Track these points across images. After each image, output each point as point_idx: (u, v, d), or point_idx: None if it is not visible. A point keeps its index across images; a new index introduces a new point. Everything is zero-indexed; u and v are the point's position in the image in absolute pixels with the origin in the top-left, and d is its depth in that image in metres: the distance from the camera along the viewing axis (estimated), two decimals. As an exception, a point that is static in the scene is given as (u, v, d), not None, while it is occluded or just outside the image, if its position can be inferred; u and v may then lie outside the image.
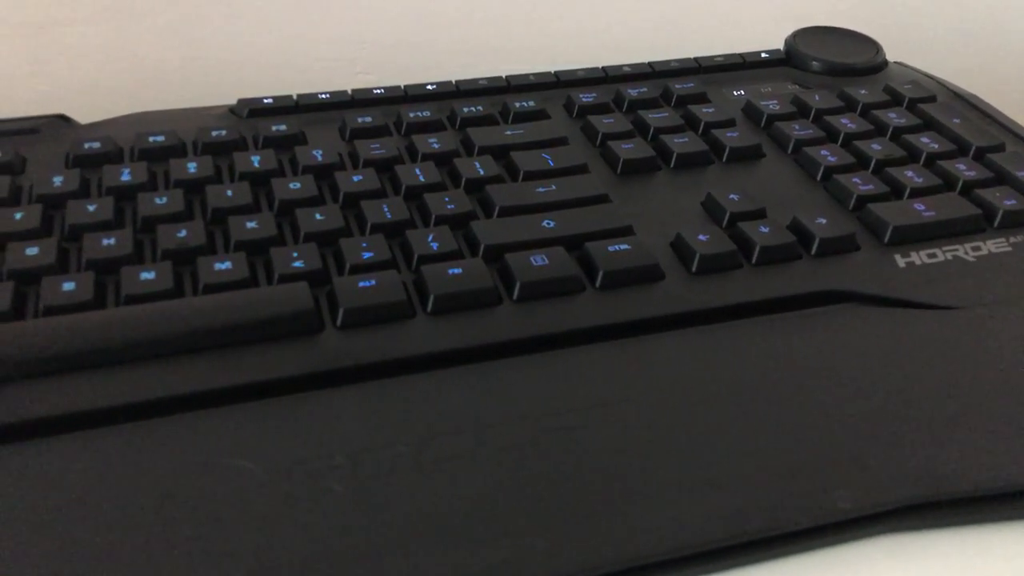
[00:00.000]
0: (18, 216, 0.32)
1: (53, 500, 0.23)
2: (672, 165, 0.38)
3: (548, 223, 0.33)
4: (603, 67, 0.44)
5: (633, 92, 0.42)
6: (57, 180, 0.34)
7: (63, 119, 0.39)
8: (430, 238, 0.32)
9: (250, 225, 0.32)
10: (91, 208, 0.32)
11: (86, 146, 0.36)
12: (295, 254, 0.31)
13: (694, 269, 0.32)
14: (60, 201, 0.33)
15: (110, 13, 0.46)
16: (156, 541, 0.23)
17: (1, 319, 0.27)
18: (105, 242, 0.31)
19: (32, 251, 0.30)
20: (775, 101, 0.42)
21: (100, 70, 0.47)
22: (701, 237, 0.32)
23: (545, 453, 0.25)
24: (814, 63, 0.46)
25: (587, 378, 0.28)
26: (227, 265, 0.30)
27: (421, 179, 0.35)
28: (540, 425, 0.26)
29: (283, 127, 0.38)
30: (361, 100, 0.41)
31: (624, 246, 0.32)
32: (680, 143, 0.38)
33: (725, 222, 0.34)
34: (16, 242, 0.30)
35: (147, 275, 0.29)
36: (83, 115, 0.40)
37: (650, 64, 0.44)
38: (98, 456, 0.25)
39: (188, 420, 0.26)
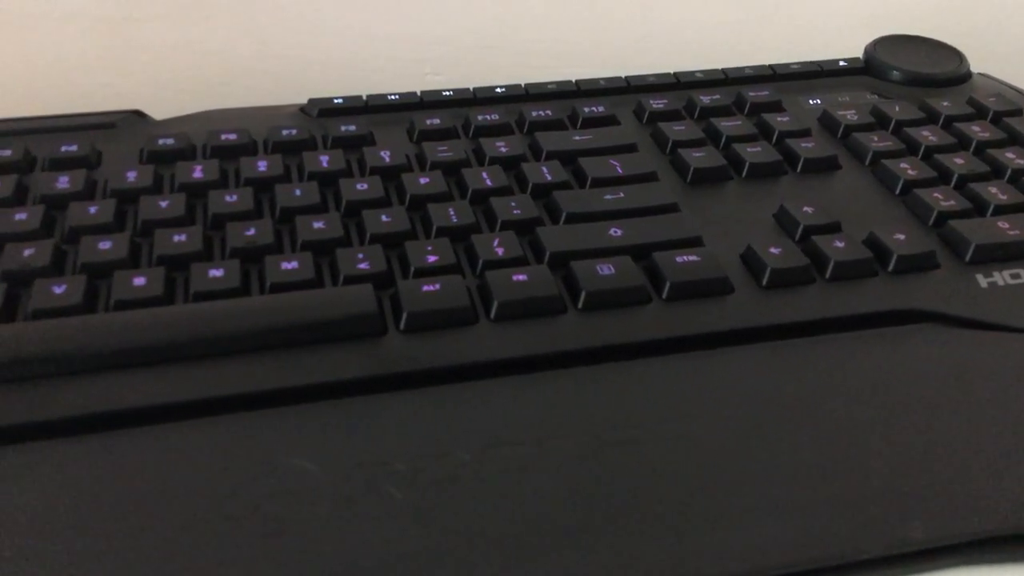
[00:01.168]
0: (92, 210, 0.32)
1: (119, 493, 0.24)
2: (744, 175, 0.37)
3: (615, 231, 0.33)
4: (675, 73, 0.43)
5: (705, 99, 0.41)
6: (131, 175, 0.34)
7: (138, 114, 0.40)
8: (495, 243, 0.32)
9: (317, 225, 0.32)
10: (163, 204, 0.33)
11: (160, 142, 0.37)
12: (360, 255, 0.31)
13: (765, 283, 0.31)
14: (133, 196, 0.33)
15: (187, 10, 0.47)
16: (218, 538, 0.23)
17: (73, 312, 0.28)
18: (176, 238, 0.31)
19: (105, 245, 0.30)
20: (853, 111, 0.41)
21: (175, 66, 0.48)
22: (773, 250, 0.32)
23: (607, 468, 0.25)
24: (894, 72, 0.44)
25: (651, 392, 0.27)
26: (293, 265, 0.30)
27: (488, 183, 0.35)
28: (602, 438, 0.26)
29: (352, 127, 0.38)
30: (430, 102, 0.41)
31: (693, 257, 0.31)
32: (753, 152, 0.37)
33: (798, 235, 0.33)
34: (89, 236, 0.31)
35: (215, 272, 0.30)
36: (158, 110, 0.41)
37: (723, 71, 0.44)
38: (163, 451, 0.25)
39: (251, 418, 0.26)
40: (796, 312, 0.30)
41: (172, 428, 0.26)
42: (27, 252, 0.30)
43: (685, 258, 0.31)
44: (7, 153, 0.35)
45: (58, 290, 0.28)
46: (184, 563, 0.22)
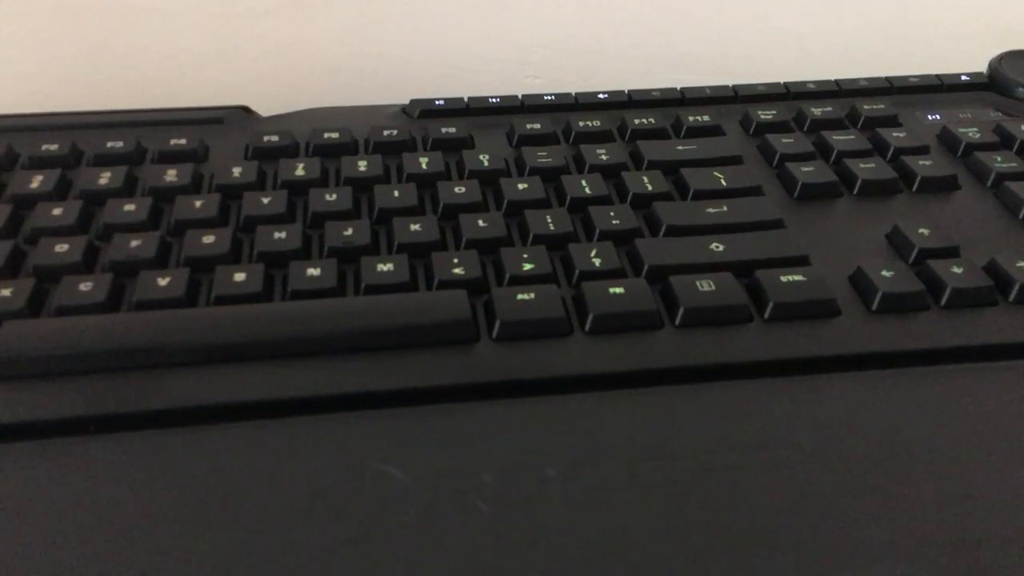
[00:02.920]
0: (198, 204, 0.33)
1: (205, 488, 0.24)
2: (856, 192, 0.35)
3: (717, 246, 0.31)
4: (785, 83, 0.42)
5: (816, 111, 0.40)
6: (236, 171, 0.35)
7: (245, 110, 0.41)
8: (593, 254, 0.31)
9: (414, 228, 0.32)
10: (265, 201, 0.33)
11: (265, 139, 0.37)
12: (456, 260, 0.30)
13: (875, 307, 0.29)
14: (237, 192, 0.34)
15: (295, 8, 0.48)
16: (300, 539, 0.23)
17: (175, 305, 0.28)
18: (276, 235, 0.31)
19: (208, 239, 0.31)
20: (975, 128, 0.38)
21: (282, 63, 0.49)
22: (884, 273, 0.30)
23: (701, 495, 0.24)
24: (1020, 89, 0.42)
25: (751, 416, 0.26)
26: (389, 267, 0.30)
27: (587, 191, 0.34)
28: (697, 463, 0.25)
29: (452, 130, 0.38)
30: (531, 106, 0.41)
31: (798, 277, 0.30)
32: (866, 168, 0.36)
33: (912, 258, 0.31)
34: (194, 229, 0.31)
35: (313, 271, 0.30)
36: (264, 106, 0.41)
37: (836, 82, 0.42)
38: (252, 448, 0.25)
39: (340, 420, 0.26)
40: (908, 340, 0.29)
41: (261, 425, 0.26)
42: (134, 243, 0.31)
43: (790, 277, 0.30)
44: (119, 144, 0.36)
45: (162, 282, 0.29)
46: (263, 561, 0.22)
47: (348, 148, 0.37)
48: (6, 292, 0.28)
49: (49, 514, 0.23)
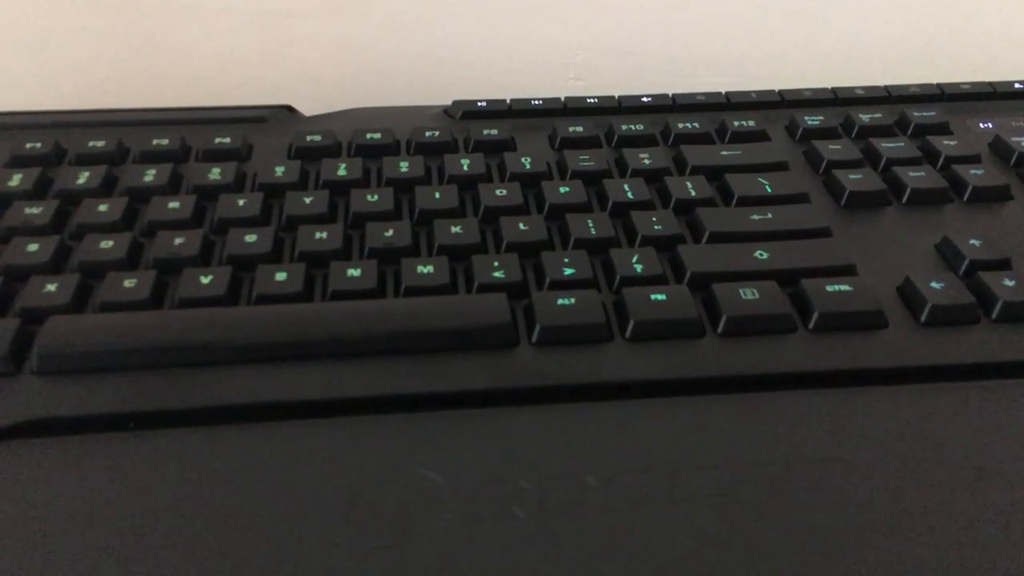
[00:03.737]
0: (241, 203, 0.33)
1: (243, 487, 0.24)
2: (904, 201, 0.34)
3: (761, 254, 0.31)
4: (832, 88, 0.41)
5: (865, 117, 0.39)
6: (279, 170, 0.35)
7: (289, 110, 0.41)
8: (634, 259, 0.31)
9: (454, 230, 0.32)
10: (307, 201, 0.33)
11: (308, 138, 0.37)
12: (496, 263, 0.30)
13: (923, 319, 0.29)
14: (280, 191, 0.34)
15: (340, 8, 0.48)
16: (337, 542, 0.23)
17: (217, 303, 0.29)
18: (317, 235, 0.31)
19: (251, 238, 0.31)
20: (1029, 137, 0.38)
21: (326, 62, 0.49)
22: (934, 285, 0.29)
23: (743, 507, 0.23)
24: (1077, 97, 0.41)
25: (793, 428, 0.26)
26: (429, 269, 0.30)
27: (629, 196, 0.34)
28: (739, 475, 0.24)
29: (494, 132, 0.38)
30: (573, 108, 0.40)
31: (844, 287, 0.29)
32: (915, 177, 0.35)
33: (963, 270, 0.31)
34: (236, 228, 0.32)
35: (353, 272, 0.30)
36: (307, 106, 0.41)
37: (886, 88, 0.41)
38: (291, 448, 0.25)
39: (378, 422, 0.26)
40: (957, 354, 0.28)
41: (300, 425, 0.26)
42: (177, 241, 0.31)
43: (836, 287, 0.29)
44: (164, 142, 0.37)
45: (204, 280, 0.29)
46: (301, 561, 0.22)
47: (390, 149, 0.37)
48: (52, 287, 0.29)
49: (88, 510, 0.23)
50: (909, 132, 0.39)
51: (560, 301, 0.29)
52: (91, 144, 0.36)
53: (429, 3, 0.49)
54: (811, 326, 0.29)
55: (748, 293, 0.29)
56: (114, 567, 0.22)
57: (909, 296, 0.30)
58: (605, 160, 0.36)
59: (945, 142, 0.37)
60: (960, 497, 0.24)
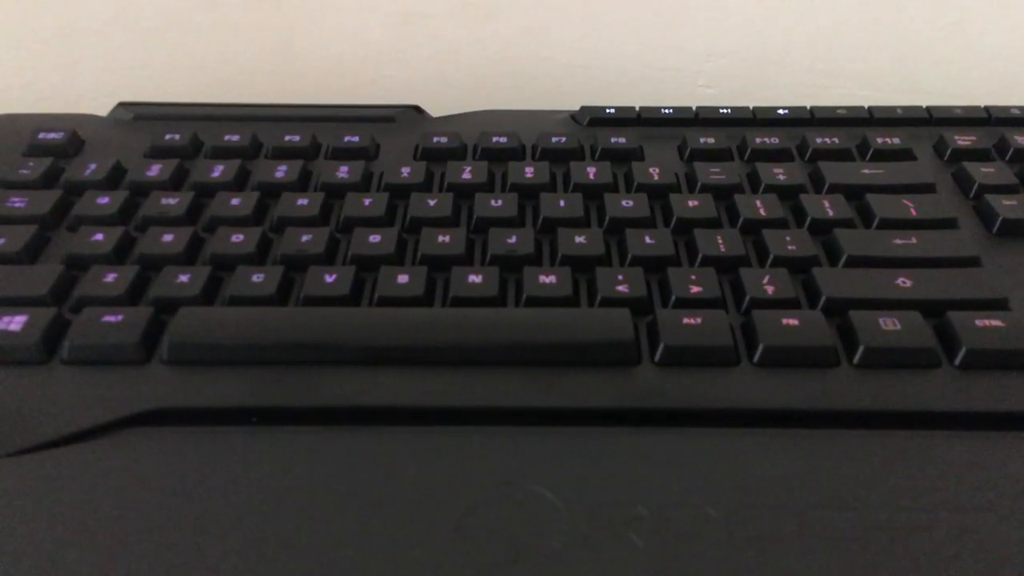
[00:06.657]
0: (367, 202, 0.33)
1: (353, 491, 0.24)
2: (1065, 231, 0.32)
3: (904, 281, 0.29)
4: (986, 107, 0.39)
5: (1021, 139, 0.36)
6: (405, 171, 0.35)
7: (417, 110, 0.41)
8: (765, 280, 0.29)
9: (578, 240, 0.31)
10: (431, 203, 0.33)
11: (434, 140, 0.37)
12: (620, 277, 0.29)
13: (1084, 363, 0.27)
14: (405, 192, 0.34)
15: (471, 9, 0.48)
16: (447, 554, 0.22)
17: (339, 302, 0.29)
18: (440, 239, 0.31)
19: (375, 239, 0.31)
20: None
21: (454, 63, 0.49)
22: (1098, 325, 0.27)
23: (875, 554, 0.22)
24: None
25: (937, 472, 0.24)
26: (552, 279, 0.29)
27: (762, 213, 0.33)
28: (873, 519, 0.23)
29: (622, 140, 0.37)
30: (705, 119, 0.39)
31: (995, 322, 0.27)
32: (1078, 206, 0.32)
33: None
34: (361, 228, 0.32)
35: (474, 278, 0.29)
36: (435, 106, 0.41)
37: (1046, 107, 0.38)
38: (405, 455, 0.25)
39: (495, 434, 0.25)
40: (1123, 402, 0.26)
41: (416, 432, 0.25)
42: (304, 238, 0.31)
43: (986, 322, 0.27)
44: (296, 139, 0.37)
45: (329, 279, 0.29)
46: (410, 571, 0.22)
47: (515, 153, 0.37)
48: (184, 278, 0.29)
49: (204, 500, 0.23)
50: (1072, 157, 0.36)
51: (686, 320, 0.28)
52: (227, 138, 0.37)
53: (558, 5, 0.48)
54: (957, 363, 0.27)
55: (889, 323, 0.27)
56: (217, 558, 0.22)
57: (1069, 336, 0.27)
58: (737, 174, 0.35)
59: (1113, 169, 0.34)
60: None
